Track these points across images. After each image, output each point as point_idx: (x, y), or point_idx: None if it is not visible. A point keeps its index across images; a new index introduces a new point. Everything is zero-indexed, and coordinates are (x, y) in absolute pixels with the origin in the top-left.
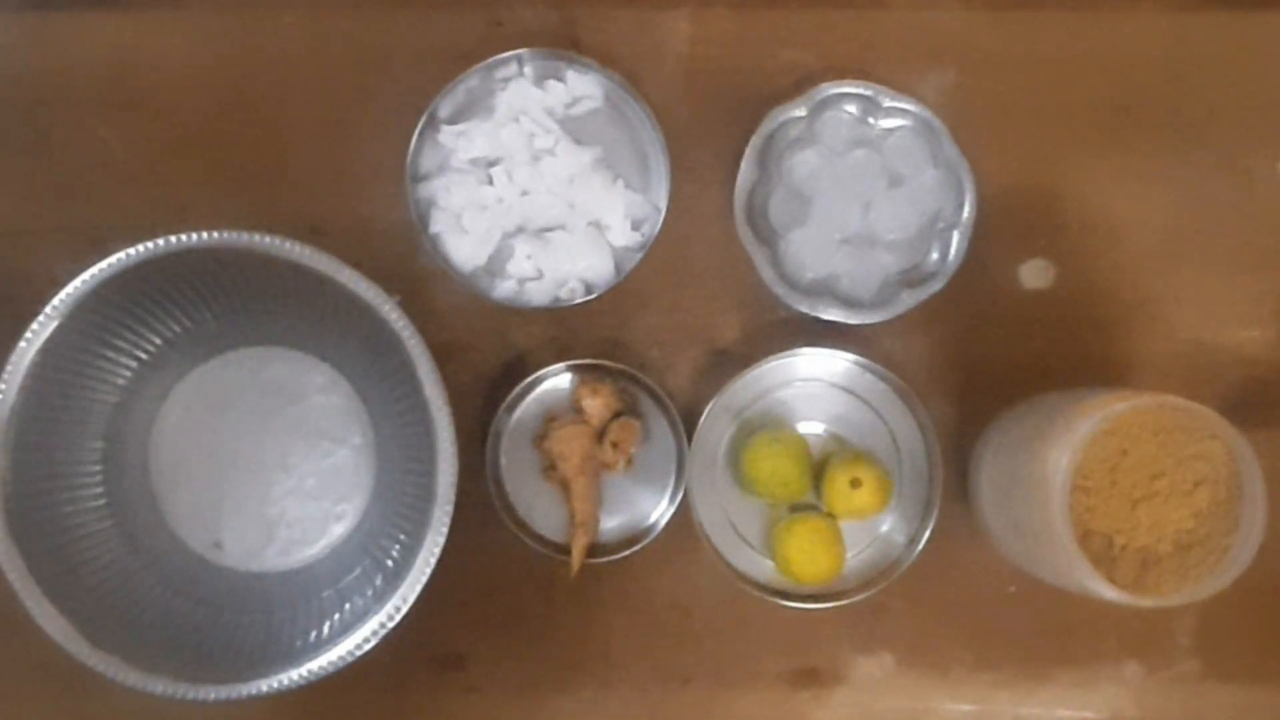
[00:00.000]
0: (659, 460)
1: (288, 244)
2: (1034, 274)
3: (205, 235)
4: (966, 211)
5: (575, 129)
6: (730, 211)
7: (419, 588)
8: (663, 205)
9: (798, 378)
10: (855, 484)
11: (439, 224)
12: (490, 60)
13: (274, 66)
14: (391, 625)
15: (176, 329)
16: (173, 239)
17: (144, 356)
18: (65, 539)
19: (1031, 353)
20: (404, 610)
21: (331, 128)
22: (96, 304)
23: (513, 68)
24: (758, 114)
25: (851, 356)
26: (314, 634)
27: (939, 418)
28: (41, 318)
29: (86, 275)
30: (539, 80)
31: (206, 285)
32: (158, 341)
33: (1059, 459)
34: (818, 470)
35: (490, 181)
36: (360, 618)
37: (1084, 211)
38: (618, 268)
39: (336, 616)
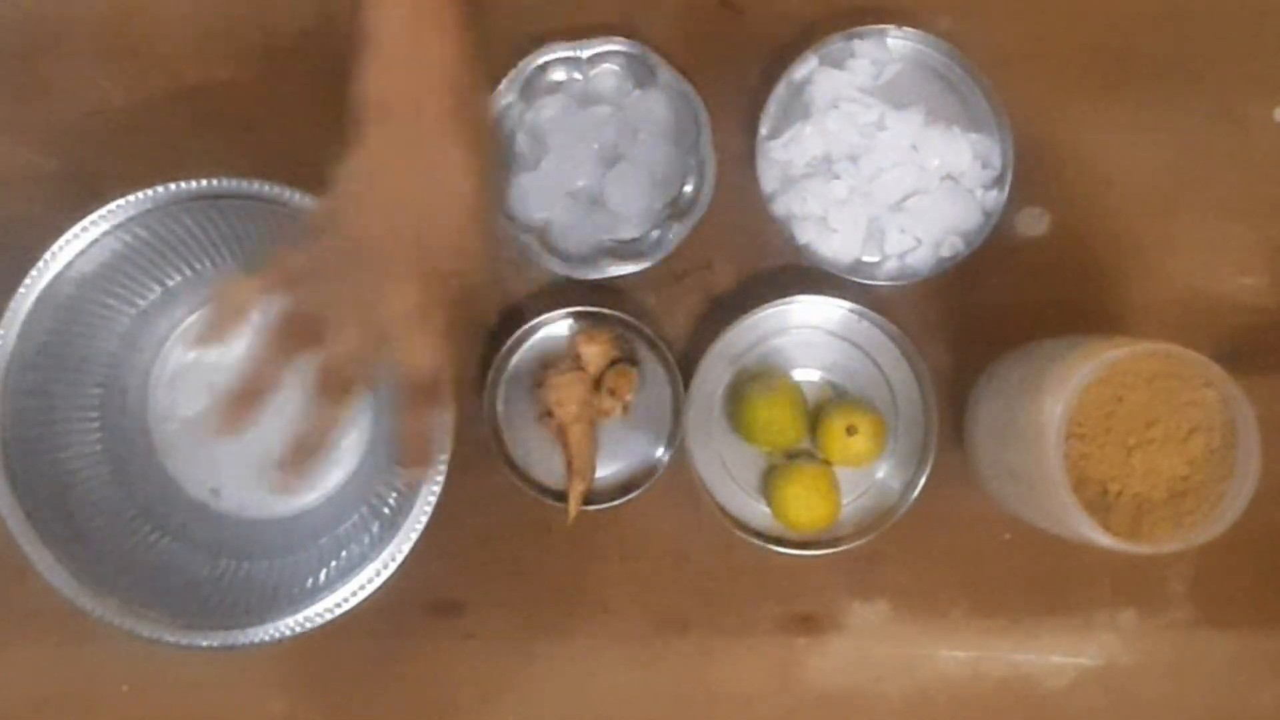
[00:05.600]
0: (656, 407)
1: (286, 191)
2: (1029, 222)
3: (203, 182)
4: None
5: (891, 96)
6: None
7: (416, 534)
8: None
9: (794, 325)
10: (851, 431)
11: (806, 233)
12: (789, 66)
13: (273, 13)
14: (388, 572)
15: (176, 276)
16: (171, 186)
17: (143, 304)
18: (63, 485)
19: (1027, 300)
20: (401, 557)
21: (331, 76)
22: (95, 251)
23: (811, 62)
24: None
25: (848, 304)
26: (310, 580)
27: (934, 365)
28: (40, 265)
29: (85, 222)
30: (838, 63)
31: (205, 233)
32: (157, 289)
33: (1054, 406)
34: (813, 417)
35: (837, 175)
36: (357, 564)
37: (1080, 159)
38: (985, 212)
39: (333, 563)
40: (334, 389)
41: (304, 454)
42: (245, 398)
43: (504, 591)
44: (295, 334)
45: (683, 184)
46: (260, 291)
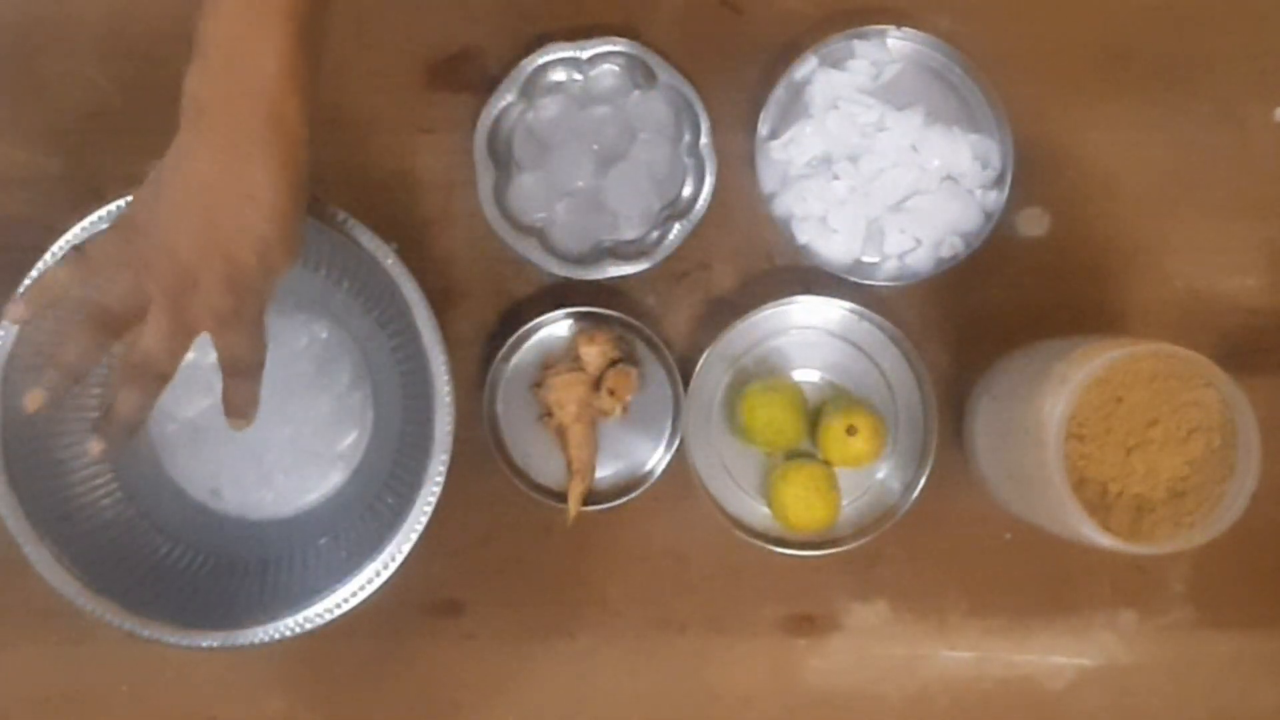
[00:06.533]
0: (655, 408)
1: None
2: (1029, 222)
3: None
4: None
5: (891, 96)
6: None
7: (415, 535)
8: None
9: (794, 325)
10: (851, 431)
11: (805, 234)
12: (789, 66)
13: None
14: (388, 573)
15: None
16: None
17: None
18: (63, 485)
19: (1027, 301)
20: (401, 558)
21: (329, 76)
22: None
23: (811, 63)
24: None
25: (848, 305)
26: (311, 581)
27: (935, 365)
28: (40, 265)
29: (84, 223)
30: (838, 64)
31: None
32: None
33: (1054, 407)
34: (813, 418)
35: (837, 176)
36: (357, 565)
37: (1080, 160)
38: (985, 212)
39: (333, 564)
40: (140, 378)
41: (116, 433)
42: (65, 381)
43: (504, 591)
44: (105, 324)
45: (682, 184)
46: (73, 283)
